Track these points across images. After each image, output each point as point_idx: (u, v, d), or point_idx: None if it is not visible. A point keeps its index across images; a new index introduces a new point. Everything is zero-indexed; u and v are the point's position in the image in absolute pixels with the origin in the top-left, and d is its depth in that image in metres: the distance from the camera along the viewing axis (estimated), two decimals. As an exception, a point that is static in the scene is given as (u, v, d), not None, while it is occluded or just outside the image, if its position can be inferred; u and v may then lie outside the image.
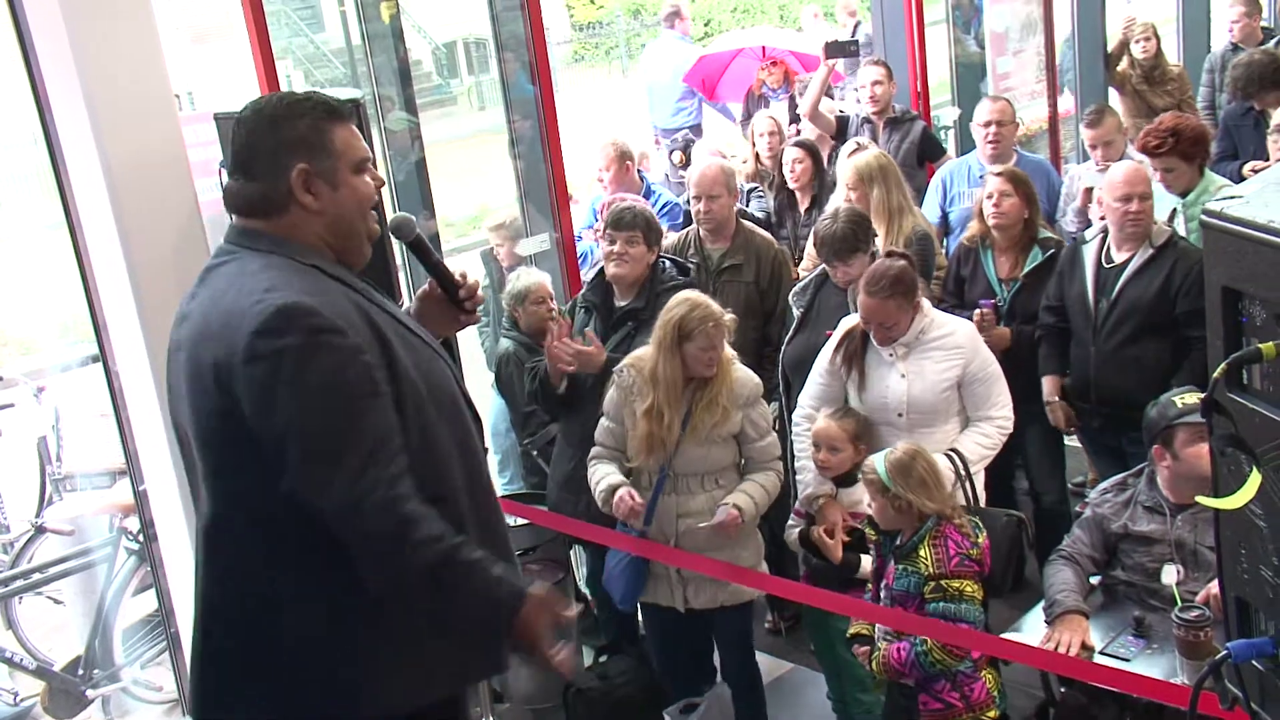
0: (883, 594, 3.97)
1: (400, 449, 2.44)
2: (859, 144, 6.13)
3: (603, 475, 4.30)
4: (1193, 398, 3.81)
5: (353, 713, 2.57)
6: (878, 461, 3.91)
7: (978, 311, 4.96)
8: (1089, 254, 4.84)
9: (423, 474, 2.49)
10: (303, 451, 2.38)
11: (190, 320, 2.56)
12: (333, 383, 2.39)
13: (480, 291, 2.92)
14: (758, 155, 7.01)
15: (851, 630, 4.08)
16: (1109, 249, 4.79)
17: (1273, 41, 7.89)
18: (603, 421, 4.40)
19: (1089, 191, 5.73)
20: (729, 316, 4.22)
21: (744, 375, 4.28)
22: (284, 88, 4.99)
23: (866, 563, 4.16)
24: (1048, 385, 5.00)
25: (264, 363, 2.37)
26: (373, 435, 2.41)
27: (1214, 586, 3.54)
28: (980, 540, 3.84)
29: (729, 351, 4.26)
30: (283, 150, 2.57)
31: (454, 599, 2.52)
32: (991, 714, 3.86)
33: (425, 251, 2.84)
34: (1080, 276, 4.85)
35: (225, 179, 2.70)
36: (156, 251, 3.98)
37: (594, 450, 4.41)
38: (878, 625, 3.96)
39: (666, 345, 4.17)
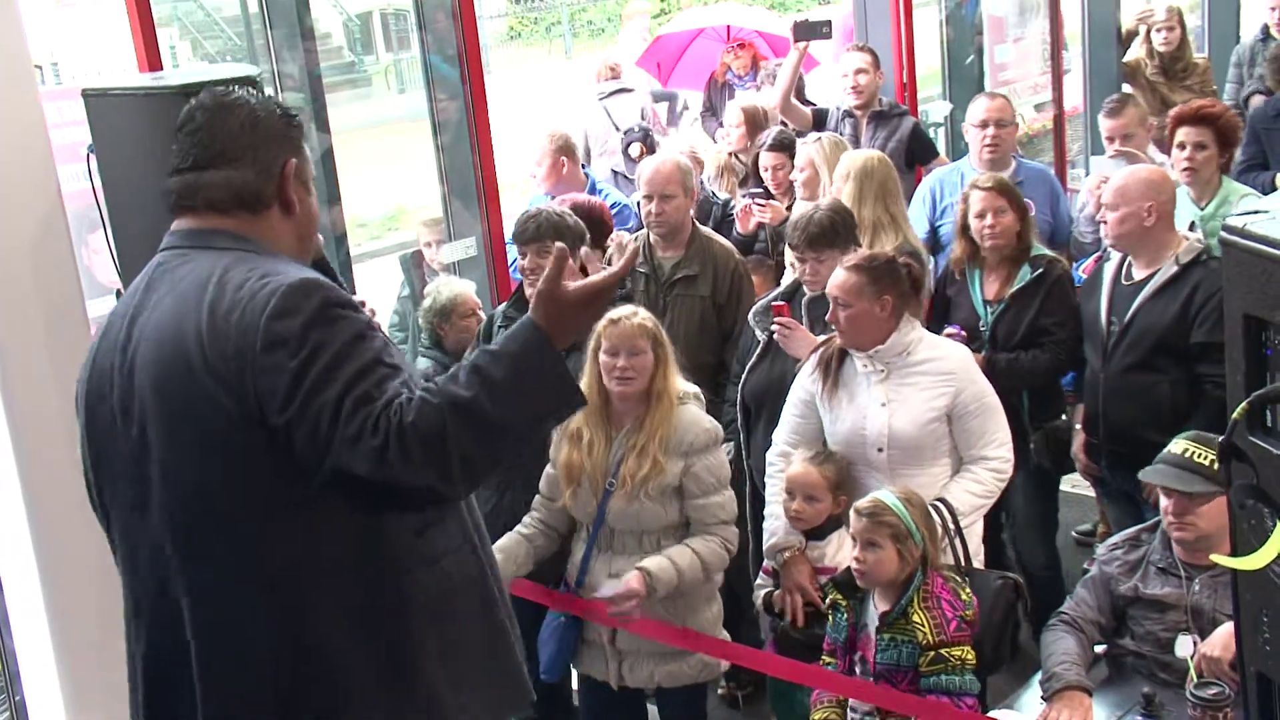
0: (857, 669, 3.94)
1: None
2: (820, 139, 6.12)
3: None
4: (1179, 446, 3.84)
5: None
6: (889, 499, 3.86)
7: (945, 334, 4.91)
8: (1108, 271, 4.91)
9: None
10: (346, 398, 2.43)
11: (148, 342, 2.54)
12: (359, 336, 2.48)
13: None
14: (733, 153, 7.06)
15: (816, 718, 4.02)
16: (1129, 266, 4.84)
17: None
18: (547, 468, 4.36)
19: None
20: (644, 316, 4.18)
21: (689, 420, 4.18)
22: (167, 60, 4.95)
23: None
24: (1078, 416, 5.16)
25: (286, 346, 2.42)
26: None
27: (1207, 648, 3.61)
28: (967, 596, 3.85)
29: (683, 388, 4.21)
30: (273, 141, 2.69)
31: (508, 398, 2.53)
32: None
33: None
34: (1097, 295, 4.91)
35: (178, 173, 2.66)
36: (11, 243, 3.91)
37: (535, 500, 4.39)
38: (850, 706, 3.92)
39: (591, 354, 4.18)
